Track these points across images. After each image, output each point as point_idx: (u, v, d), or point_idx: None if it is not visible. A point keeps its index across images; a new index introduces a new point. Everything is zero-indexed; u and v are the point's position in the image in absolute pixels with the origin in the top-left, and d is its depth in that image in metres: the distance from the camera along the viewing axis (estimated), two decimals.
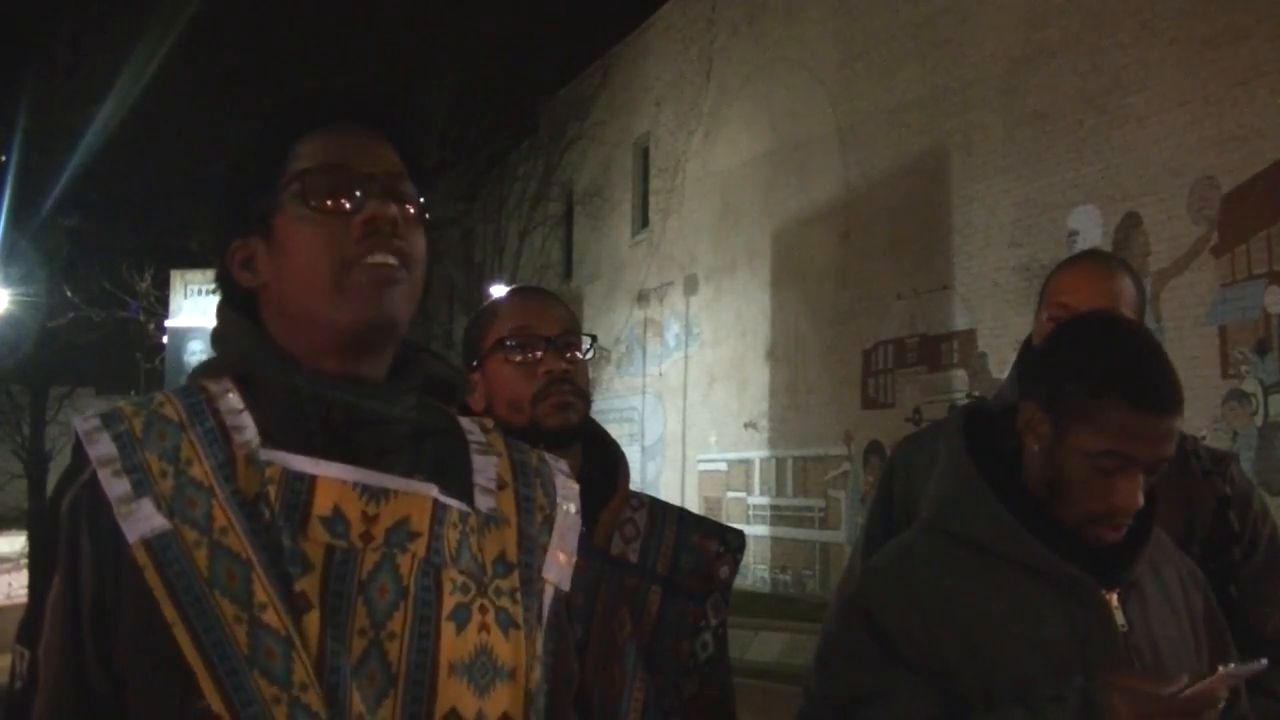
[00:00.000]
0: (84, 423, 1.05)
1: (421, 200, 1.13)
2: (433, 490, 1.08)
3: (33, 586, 1.05)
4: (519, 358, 1.64)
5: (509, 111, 16.94)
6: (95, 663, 1.00)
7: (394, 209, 1.08)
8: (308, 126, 1.12)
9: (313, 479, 1.04)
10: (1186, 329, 8.37)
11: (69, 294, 12.51)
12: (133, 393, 17.55)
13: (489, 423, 1.22)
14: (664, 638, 1.62)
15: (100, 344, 13.60)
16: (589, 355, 1.70)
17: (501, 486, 1.15)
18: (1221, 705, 1.38)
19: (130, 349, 15.42)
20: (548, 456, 1.24)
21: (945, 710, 1.45)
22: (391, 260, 1.07)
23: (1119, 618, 1.50)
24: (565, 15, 17.50)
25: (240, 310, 1.13)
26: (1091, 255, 2.20)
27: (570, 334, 1.67)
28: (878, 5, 12.27)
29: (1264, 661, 1.42)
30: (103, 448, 1.03)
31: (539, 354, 1.64)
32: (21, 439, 11.43)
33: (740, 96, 15.00)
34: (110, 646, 1.00)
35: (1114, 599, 1.51)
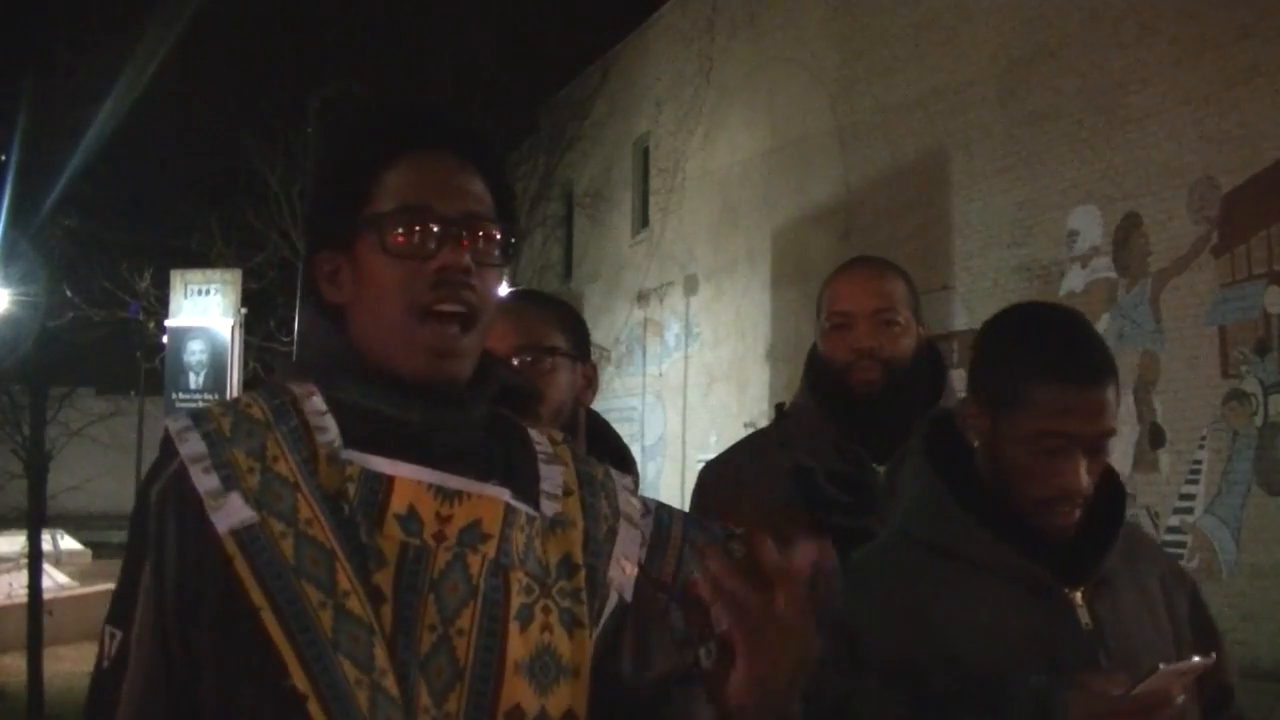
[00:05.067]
0: (175, 422, 1.10)
1: (506, 228, 1.16)
2: (505, 494, 1.12)
3: (125, 571, 1.09)
4: None
5: (509, 111, 16.93)
6: (178, 644, 1.04)
7: (466, 258, 1.11)
8: (397, 151, 1.14)
9: (390, 479, 1.08)
10: (1186, 329, 8.37)
11: (69, 294, 12.50)
12: (132, 393, 17.55)
13: (558, 435, 1.25)
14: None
15: (100, 344, 13.59)
16: (544, 365, 1.66)
17: (567, 493, 1.19)
18: (1181, 701, 1.36)
19: (130, 349, 15.41)
20: (614, 472, 1.28)
21: (912, 714, 1.44)
22: (460, 309, 1.10)
23: (1084, 616, 1.49)
24: (565, 15, 17.50)
25: (327, 315, 1.16)
26: (861, 261, 2.23)
27: (524, 350, 1.65)
28: (878, 5, 12.26)
29: (1213, 655, 1.42)
30: (193, 446, 1.07)
31: None
32: (21, 439, 11.40)
33: (740, 96, 15.00)
34: (191, 631, 1.04)
35: (1079, 597, 1.49)
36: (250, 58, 14.74)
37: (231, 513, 1.03)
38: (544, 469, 1.19)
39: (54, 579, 11.97)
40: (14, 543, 12.98)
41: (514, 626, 1.08)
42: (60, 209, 12.23)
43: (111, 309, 13.08)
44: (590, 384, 1.75)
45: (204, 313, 10.19)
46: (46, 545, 11.38)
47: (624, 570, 1.20)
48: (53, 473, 11.02)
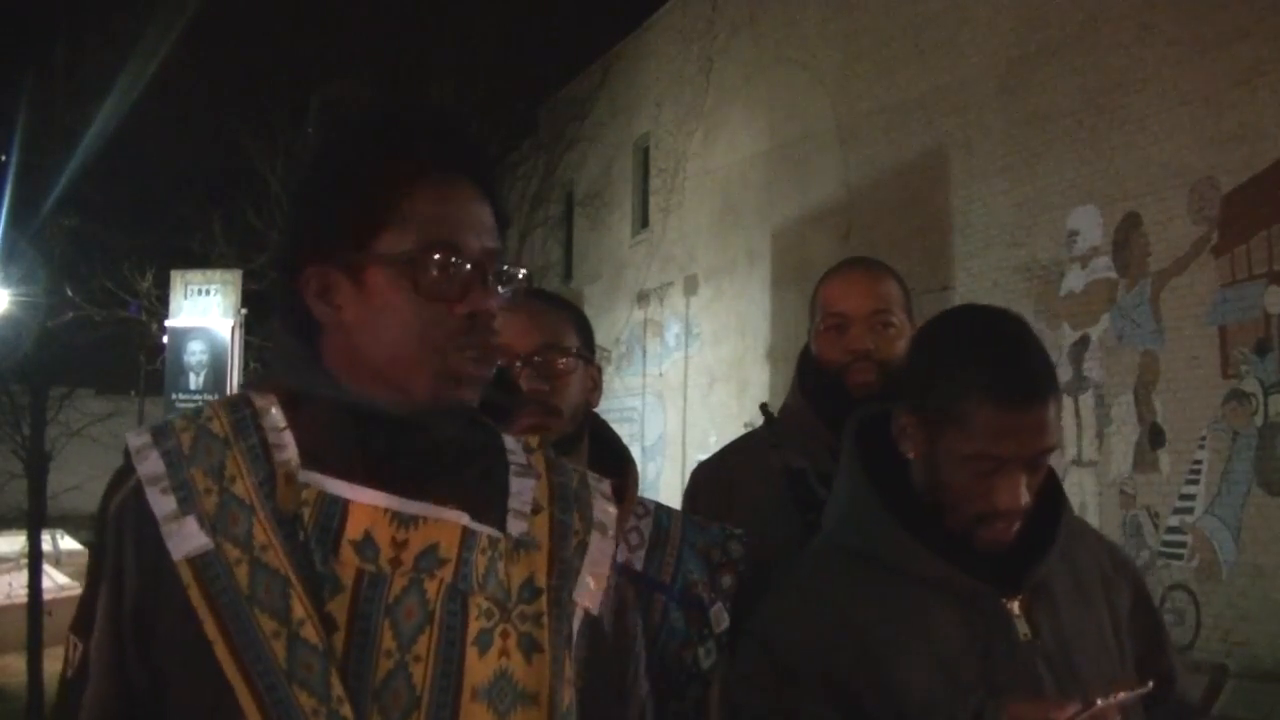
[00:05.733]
0: (136, 438, 1.08)
1: (516, 262, 1.16)
2: (463, 519, 1.10)
3: (88, 579, 1.09)
4: None
5: (509, 111, 16.92)
6: (135, 659, 1.04)
7: (494, 302, 1.09)
8: (413, 175, 1.10)
9: (346, 503, 1.06)
10: (1186, 329, 8.37)
11: (69, 294, 12.49)
12: (133, 393, 17.55)
13: (534, 442, 1.23)
14: (668, 646, 1.62)
15: (100, 344, 13.58)
16: (565, 365, 1.65)
17: (536, 511, 1.16)
18: None
19: (130, 349, 15.41)
20: (590, 478, 1.25)
21: None
22: (485, 360, 1.09)
23: (1021, 626, 1.44)
24: (565, 15, 17.49)
25: (296, 331, 1.13)
26: (856, 263, 2.20)
27: (546, 350, 1.64)
28: (878, 5, 12.26)
29: (1150, 684, 1.39)
30: (151, 465, 1.06)
31: (516, 375, 1.62)
32: (21, 439, 11.40)
33: (740, 96, 15.00)
34: (148, 645, 1.04)
35: (1016, 606, 1.45)
36: (251, 57, 14.73)
37: (187, 538, 1.02)
38: (515, 483, 1.16)
39: (54, 579, 11.97)
40: (14, 543, 12.98)
41: (472, 652, 1.06)
42: (60, 209, 12.23)
43: (112, 309, 13.07)
44: (596, 386, 1.74)
45: (204, 313, 10.17)
46: (46, 545, 11.38)
47: (590, 585, 1.17)
48: (53, 473, 11.02)
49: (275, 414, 1.09)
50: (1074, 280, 9.47)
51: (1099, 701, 1.29)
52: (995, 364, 1.42)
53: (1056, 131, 9.68)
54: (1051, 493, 1.50)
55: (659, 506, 1.74)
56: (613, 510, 1.23)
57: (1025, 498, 1.42)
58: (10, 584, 12.29)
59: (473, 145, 1.17)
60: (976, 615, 1.44)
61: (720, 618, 1.66)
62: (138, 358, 15.58)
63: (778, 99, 14.16)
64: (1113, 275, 9.08)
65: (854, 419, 1.63)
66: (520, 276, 1.13)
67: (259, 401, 1.10)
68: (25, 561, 11.08)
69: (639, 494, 1.71)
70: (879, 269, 2.13)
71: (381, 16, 15.82)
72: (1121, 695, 1.33)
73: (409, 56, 15.54)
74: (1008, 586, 1.45)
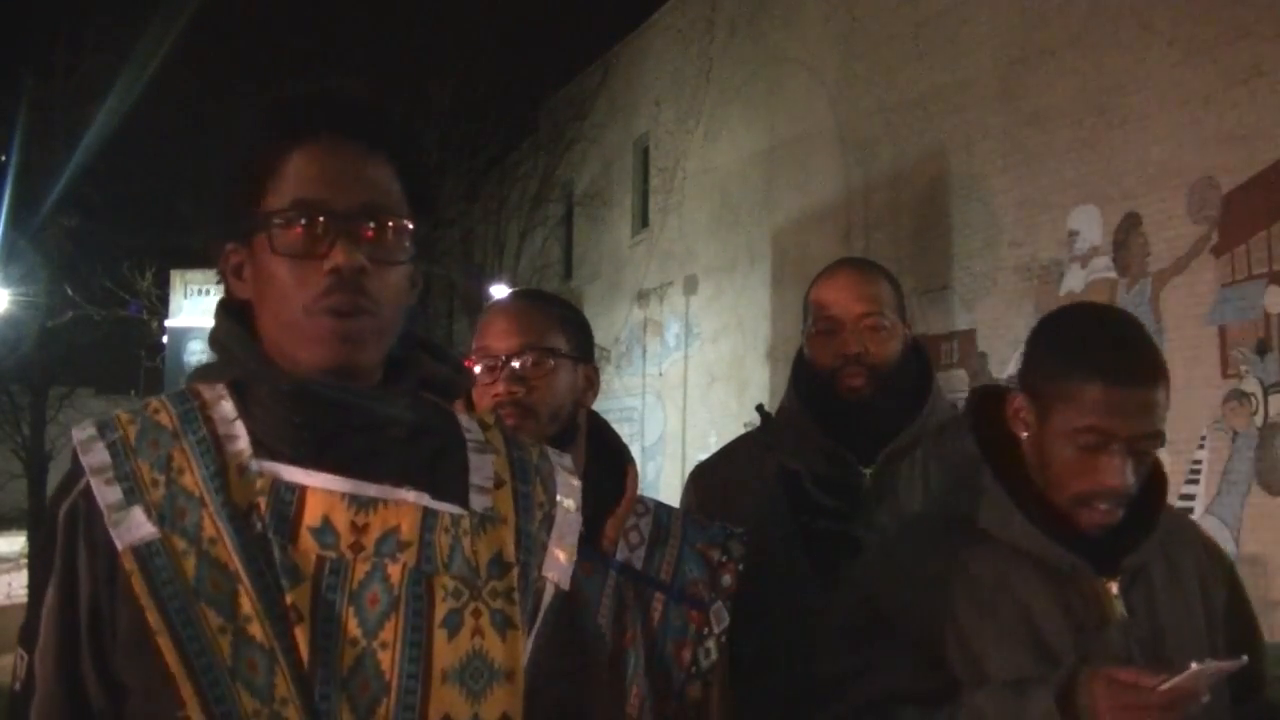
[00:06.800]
0: (80, 431, 1.06)
1: (411, 218, 1.10)
2: (423, 499, 1.08)
3: (32, 591, 1.06)
4: (481, 379, 1.64)
5: (509, 111, 16.94)
6: (90, 668, 1.00)
7: (360, 258, 1.05)
8: (295, 139, 1.08)
9: (303, 489, 1.04)
10: (1186, 329, 8.37)
11: (69, 294, 12.50)
12: (133, 393, 17.57)
13: (489, 419, 1.22)
14: (666, 645, 1.62)
15: (100, 344, 13.61)
16: (547, 366, 1.64)
17: (499, 485, 1.14)
18: (1206, 700, 1.34)
19: (130, 349, 15.43)
20: (550, 452, 1.23)
21: (938, 687, 1.46)
22: (350, 311, 1.05)
23: (1118, 607, 1.48)
24: (565, 15, 17.50)
25: (235, 315, 1.11)
26: (846, 264, 2.20)
27: (525, 351, 1.64)
28: (878, 5, 12.26)
29: (1244, 658, 1.39)
30: (96, 456, 1.03)
31: (495, 375, 1.63)
32: (21, 439, 11.41)
33: (740, 96, 15.00)
34: (107, 652, 1.00)
35: (1114, 587, 1.49)
36: (251, 56, 14.74)
37: (132, 528, 1.00)
38: (474, 459, 1.14)
39: None
40: (14, 543, 12.99)
41: (440, 634, 1.04)
42: (60, 209, 12.24)
43: (112, 309, 13.08)
44: (591, 385, 1.73)
45: (204, 313, 10.17)
46: None
47: (559, 559, 1.16)
48: (52, 472, 11.02)
49: (225, 406, 1.07)
50: (1074, 280, 9.47)
51: (1193, 665, 1.30)
52: (1106, 344, 1.49)
53: (1056, 131, 9.68)
54: (1154, 482, 1.55)
55: (659, 505, 1.74)
56: (576, 483, 1.22)
57: (1129, 480, 1.46)
58: (10, 584, 12.29)
59: (365, 106, 1.13)
60: (1073, 592, 1.49)
61: (720, 617, 1.66)
62: (137, 357, 15.59)
63: (778, 99, 14.16)
64: (1113, 275, 9.08)
65: (975, 392, 1.69)
66: (398, 228, 1.08)
67: (207, 394, 1.08)
68: (25, 561, 11.07)
69: (639, 493, 1.71)
70: (870, 270, 2.12)
71: (381, 16, 15.83)
72: (1215, 664, 1.34)
73: (409, 56, 15.55)
74: (1106, 568, 1.50)
